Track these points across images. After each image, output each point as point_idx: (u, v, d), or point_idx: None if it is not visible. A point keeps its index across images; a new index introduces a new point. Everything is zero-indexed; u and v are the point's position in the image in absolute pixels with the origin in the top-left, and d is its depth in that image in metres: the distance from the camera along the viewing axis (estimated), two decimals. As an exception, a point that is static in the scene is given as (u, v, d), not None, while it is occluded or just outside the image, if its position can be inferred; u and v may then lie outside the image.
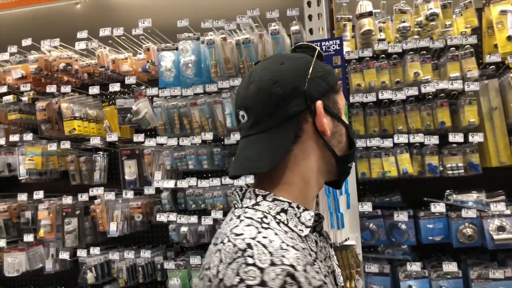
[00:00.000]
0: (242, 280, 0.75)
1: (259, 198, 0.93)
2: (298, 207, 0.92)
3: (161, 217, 2.63)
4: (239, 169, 0.94)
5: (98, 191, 2.74)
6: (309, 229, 0.91)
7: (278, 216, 0.90)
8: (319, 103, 0.93)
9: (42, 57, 2.87)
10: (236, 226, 0.86)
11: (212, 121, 2.61)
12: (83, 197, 2.78)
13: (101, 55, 2.80)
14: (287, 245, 0.81)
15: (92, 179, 2.97)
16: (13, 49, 2.87)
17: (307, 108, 0.93)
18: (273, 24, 2.44)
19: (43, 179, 3.07)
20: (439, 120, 2.35)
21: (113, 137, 2.75)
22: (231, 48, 2.51)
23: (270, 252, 0.78)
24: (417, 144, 2.39)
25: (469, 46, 2.30)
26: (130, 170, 2.91)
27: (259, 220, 0.87)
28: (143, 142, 2.65)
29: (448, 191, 2.41)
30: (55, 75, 2.92)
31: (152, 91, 2.64)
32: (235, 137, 2.49)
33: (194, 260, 2.57)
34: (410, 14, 2.41)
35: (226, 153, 2.71)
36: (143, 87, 2.79)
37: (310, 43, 1.04)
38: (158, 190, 2.77)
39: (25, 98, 3.06)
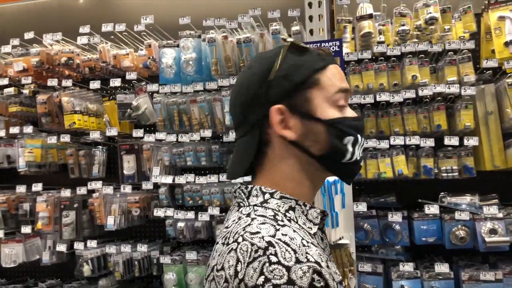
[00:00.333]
0: (267, 280, 0.73)
1: (267, 196, 0.92)
2: (304, 205, 0.93)
3: (158, 212, 2.66)
4: (228, 174, 0.99)
5: (96, 185, 2.76)
6: (317, 226, 0.92)
7: (287, 214, 0.89)
8: (273, 109, 0.90)
9: (44, 50, 2.88)
10: (249, 224, 0.83)
11: (211, 118, 2.63)
12: (82, 191, 2.80)
13: (103, 50, 2.82)
14: (307, 241, 0.80)
15: (90, 173, 2.99)
16: (15, 42, 2.88)
17: (267, 114, 0.91)
18: (274, 24, 2.46)
19: (42, 171, 3.09)
20: (436, 123, 2.38)
21: (112, 132, 2.77)
22: (232, 46, 2.53)
23: (293, 250, 0.77)
24: (413, 146, 2.42)
25: (466, 51, 2.33)
26: (128, 165, 2.94)
27: (272, 217, 0.86)
28: (142, 138, 2.68)
29: (442, 193, 2.44)
30: (57, 68, 2.94)
31: (153, 87, 2.67)
32: (234, 135, 2.51)
33: (190, 255, 2.60)
34: (409, 17, 2.44)
35: (225, 151, 2.74)
36: (143, 83, 2.81)
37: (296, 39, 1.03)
38: (156, 186, 2.80)
39: (26, 91, 3.08)
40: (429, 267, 2.40)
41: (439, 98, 2.41)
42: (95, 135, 2.82)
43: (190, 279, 2.62)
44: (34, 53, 2.87)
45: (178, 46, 2.65)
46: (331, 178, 2.16)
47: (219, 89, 2.60)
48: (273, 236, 0.79)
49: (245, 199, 0.94)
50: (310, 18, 2.38)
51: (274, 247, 0.77)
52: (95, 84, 2.78)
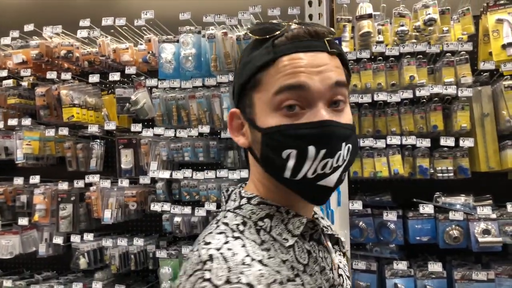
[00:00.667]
0: None
1: (243, 201, 0.84)
2: (288, 212, 0.83)
3: (155, 207, 2.67)
4: None
5: (94, 178, 2.77)
6: (295, 238, 0.80)
7: (260, 223, 0.80)
8: (229, 113, 0.86)
9: (44, 43, 2.89)
10: (210, 232, 0.79)
11: (210, 114, 2.64)
12: (79, 184, 2.81)
13: (103, 44, 2.82)
14: (252, 259, 0.73)
15: (88, 166, 3.00)
16: (15, 34, 2.88)
17: None
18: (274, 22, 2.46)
19: (40, 164, 3.09)
20: (432, 124, 2.40)
21: (111, 126, 2.78)
22: (231, 43, 2.54)
23: (229, 267, 0.70)
24: (409, 146, 2.44)
25: (464, 52, 2.35)
26: (126, 159, 2.95)
27: (234, 227, 0.79)
28: (140, 132, 2.69)
29: (437, 193, 2.46)
30: (56, 61, 2.94)
31: (152, 82, 2.67)
32: (232, 131, 2.52)
33: (186, 250, 2.62)
34: (409, 18, 2.45)
35: (222, 147, 2.75)
36: (142, 78, 2.82)
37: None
38: (153, 180, 2.80)
39: (24, 83, 3.08)
40: (423, 266, 2.43)
41: (436, 99, 2.43)
42: (93, 129, 2.82)
43: (186, 274, 2.63)
44: (33, 45, 2.88)
45: (177, 41, 2.66)
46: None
47: (218, 85, 2.61)
48: (218, 249, 0.73)
49: (224, 203, 0.89)
50: (310, 16, 2.39)
51: (212, 261, 0.71)
52: (94, 78, 2.78)
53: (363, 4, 2.46)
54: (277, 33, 0.79)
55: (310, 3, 2.37)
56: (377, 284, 2.45)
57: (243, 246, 0.75)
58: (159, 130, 2.65)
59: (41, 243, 2.98)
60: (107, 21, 2.67)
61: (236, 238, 0.76)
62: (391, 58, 2.45)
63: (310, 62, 0.76)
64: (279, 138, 0.76)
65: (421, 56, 2.42)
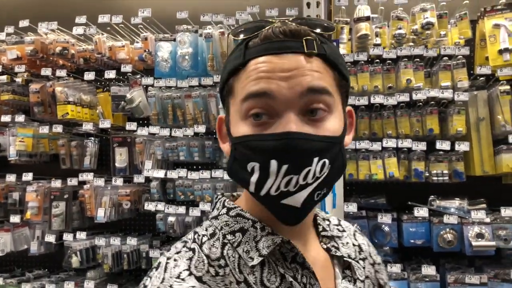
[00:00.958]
0: None
1: (223, 211, 0.79)
2: (263, 229, 0.75)
3: (149, 206, 2.65)
4: None
5: (87, 176, 2.75)
6: (261, 258, 0.72)
7: (228, 236, 0.75)
8: (218, 118, 0.82)
9: (39, 39, 2.86)
10: (182, 238, 0.78)
11: (206, 114, 2.63)
12: (72, 182, 2.78)
13: (99, 41, 2.80)
14: (190, 274, 0.69)
15: (82, 164, 2.97)
16: (10, 29, 2.85)
17: None
18: (272, 22, 2.46)
19: (33, 161, 3.06)
20: (428, 127, 2.41)
21: (105, 124, 2.76)
22: (228, 43, 2.53)
23: (163, 279, 0.68)
24: (405, 149, 2.44)
25: (461, 56, 2.35)
26: (121, 157, 2.93)
27: (198, 237, 0.76)
28: (135, 131, 2.67)
29: (432, 196, 2.46)
30: (51, 58, 2.91)
31: (148, 80, 2.66)
32: (228, 131, 2.51)
33: (180, 250, 2.60)
34: (406, 21, 2.45)
35: (218, 147, 2.74)
36: (138, 76, 2.80)
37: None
38: (148, 179, 2.79)
39: (18, 79, 3.04)
40: (416, 269, 2.43)
41: (432, 102, 2.44)
42: (88, 127, 2.80)
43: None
44: (28, 41, 2.85)
45: (174, 40, 2.65)
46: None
47: (214, 85, 2.60)
48: (168, 258, 0.72)
49: (211, 211, 0.85)
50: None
51: (157, 269, 0.71)
52: (89, 75, 2.76)
53: (361, 6, 2.46)
54: (255, 33, 0.71)
55: (308, 5, 2.37)
56: (370, 286, 2.45)
57: (189, 259, 0.72)
58: (154, 129, 2.63)
59: (33, 241, 2.95)
60: (103, 18, 2.65)
61: (190, 249, 0.73)
62: (388, 61, 2.45)
63: (279, 66, 0.68)
64: (243, 149, 0.70)
65: (418, 59, 2.42)
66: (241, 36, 0.73)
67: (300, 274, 0.75)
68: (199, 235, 0.76)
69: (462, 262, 2.51)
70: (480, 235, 2.31)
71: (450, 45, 2.37)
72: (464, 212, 2.39)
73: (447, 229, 2.37)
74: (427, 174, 2.43)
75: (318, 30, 0.73)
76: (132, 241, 2.69)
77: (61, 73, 2.80)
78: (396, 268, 2.35)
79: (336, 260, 0.83)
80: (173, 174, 2.62)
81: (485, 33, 2.34)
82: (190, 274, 0.69)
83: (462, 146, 2.31)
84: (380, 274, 0.91)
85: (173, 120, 2.68)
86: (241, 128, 0.71)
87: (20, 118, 2.85)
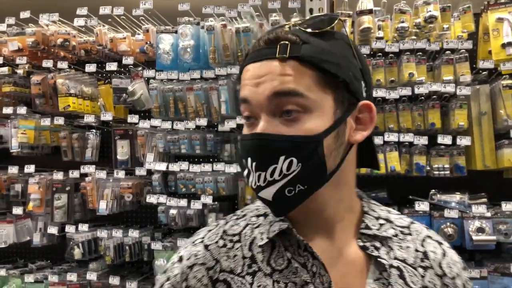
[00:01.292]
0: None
1: None
2: None
3: (151, 199, 2.66)
4: None
5: (89, 168, 2.76)
6: (266, 240, 0.80)
7: (253, 219, 0.87)
8: None
9: (40, 30, 2.84)
10: None
11: (207, 107, 2.63)
12: (74, 174, 2.79)
13: (100, 33, 2.79)
14: (201, 241, 0.85)
15: (83, 156, 2.97)
16: (11, 20, 2.84)
17: None
18: (274, 15, 2.45)
19: (35, 153, 3.07)
20: (430, 121, 2.40)
21: (107, 116, 2.76)
22: (230, 35, 2.51)
23: (186, 243, 0.88)
24: (407, 143, 2.44)
25: (464, 50, 2.34)
26: (122, 150, 2.93)
27: (233, 215, 0.91)
28: (137, 123, 2.67)
29: (433, 190, 2.47)
30: (52, 49, 2.90)
31: (149, 73, 2.65)
32: (229, 124, 2.51)
33: (181, 242, 2.61)
34: (409, 14, 2.43)
35: (219, 140, 2.74)
36: (140, 68, 2.79)
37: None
38: (150, 172, 2.80)
39: (20, 71, 3.04)
40: (416, 263, 2.44)
41: (434, 96, 2.43)
42: (89, 119, 2.80)
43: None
44: (29, 33, 2.84)
45: (176, 32, 2.63)
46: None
47: (216, 77, 2.59)
48: (203, 231, 0.90)
49: None
50: (311, 10, 2.37)
51: (192, 238, 0.89)
52: (90, 67, 2.76)
53: (364, -1, 2.45)
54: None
55: (311, -3, 2.35)
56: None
57: (209, 231, 0.88)
58: (156, 122, 2.63)
59: (35, 232, 2.97)
60: (104, 10, 2.64)
61: (216, 225, 0.89)
62: (390, 55, 2.44)
63: (255, 73, 0.74)
64: (240, 147, 0.80)
65: (420, 53, 2.41)
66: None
67: (310, 262, 0.78)
68: (234, 214, 0.91)
69: (462, 256, 2.47)
70: (480, 229, 2.32)
71: (453, 39, 2.36)
72: (465, 206, 2.39)
73: (448, 223, 2.38)
74: (428, 168, 2.43)
75: (309, 30, 0.76)
76: (134, 233, 2.71)
77: (62, 65, 2.80)
78: (396, 262, 2.36)
79: (374, 260, 0.81)
80: (174, 167, 2.62)
81: (488, 26, 2.32)
82: (202, 241, 0.86)
83: (464, 141, 2.31)
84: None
85: (175, 113, 2.68)
86: (243, 128, 0.81)
87: (22, 110, 2.86)
